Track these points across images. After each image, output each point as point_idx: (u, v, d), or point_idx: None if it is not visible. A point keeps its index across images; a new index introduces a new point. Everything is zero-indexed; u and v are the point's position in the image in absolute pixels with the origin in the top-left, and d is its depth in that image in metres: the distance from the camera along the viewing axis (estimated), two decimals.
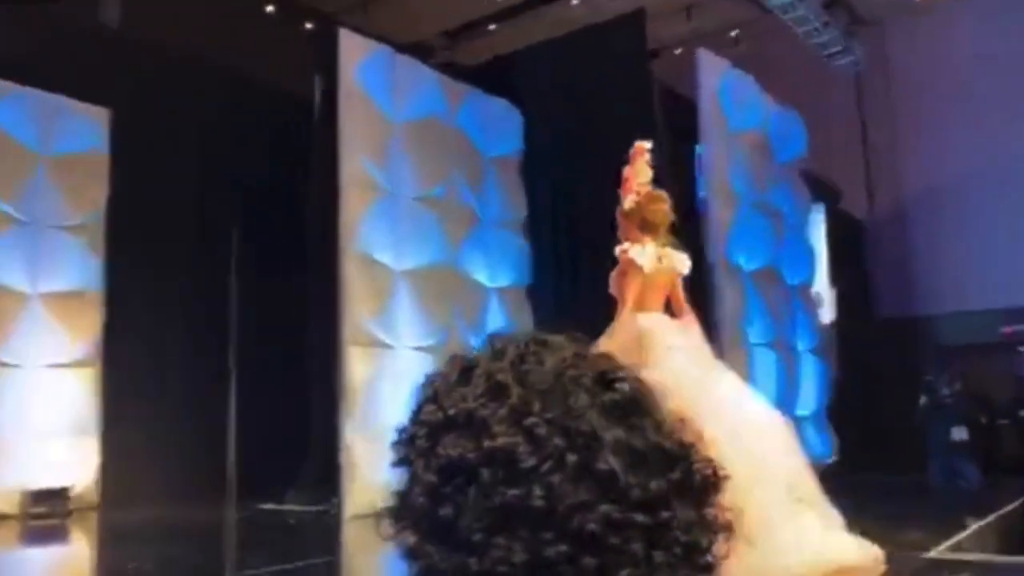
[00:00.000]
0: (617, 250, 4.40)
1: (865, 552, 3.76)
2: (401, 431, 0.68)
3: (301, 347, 9.62)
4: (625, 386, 0.64)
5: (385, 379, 8.28)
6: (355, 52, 8.67)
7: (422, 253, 8.86)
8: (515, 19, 11.96)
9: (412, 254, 8.77)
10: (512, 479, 0.59)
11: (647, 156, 4.65)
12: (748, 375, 8.73)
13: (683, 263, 4.56)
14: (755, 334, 8.99)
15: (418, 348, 8.68)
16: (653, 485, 0.61)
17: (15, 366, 8.64)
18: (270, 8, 11.97)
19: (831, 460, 10.29)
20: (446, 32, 12.65)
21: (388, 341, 8.45)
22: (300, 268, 9.72)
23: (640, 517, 0.59)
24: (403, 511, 0.64)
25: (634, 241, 4.43)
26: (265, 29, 11.59)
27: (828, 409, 10.49)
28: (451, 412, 0.63)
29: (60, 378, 8.88)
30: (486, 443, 0.60)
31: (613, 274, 4.43)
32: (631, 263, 4.41)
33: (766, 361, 9.06)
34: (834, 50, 12.19)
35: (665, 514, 0.61)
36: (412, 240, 8.77)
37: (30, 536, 7.98)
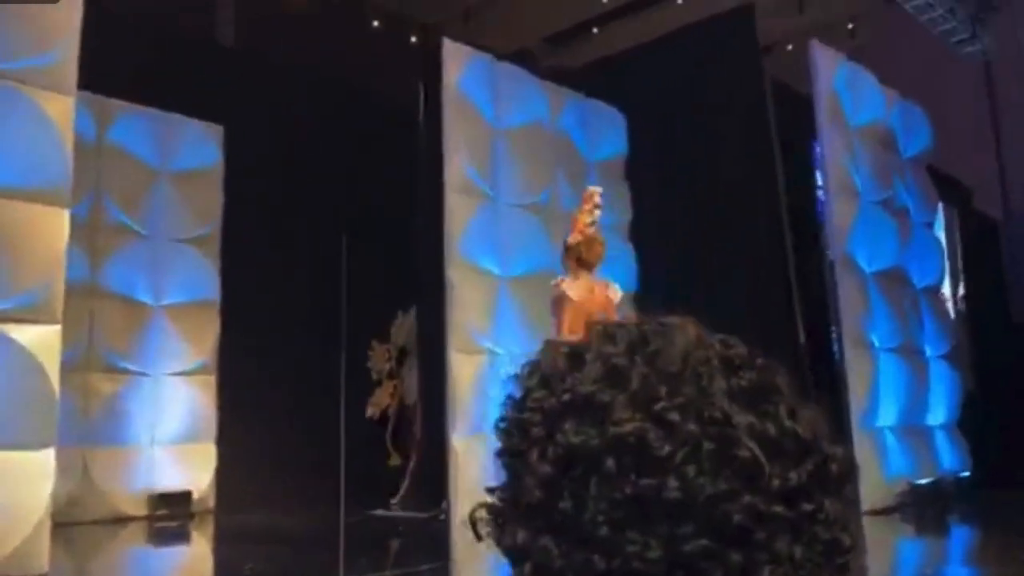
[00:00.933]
0: (552, 282, 5.28)
1: None
2: (507, 420, 0.62)
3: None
4: (754, 372, 0.59)
5: (492, 386, 8.23)
6: (458, 61, 8.69)
7: (527, 260, 8.77)
8: (618, 22, 11.79)
9: (517, 261, 8.70)
10: (643, 468, 0.54)
11: (596, 200, 5.59)
12: (873, 380, 8.27)
13: (615, 292, 5.62)
14: (880, 338, 8.49)
15: (524, 355, 8.57)
16: (792, 475, 0.56)
17: (142, 374, 9.02)
18: (376, 23, 12.20)
19: (963, 474, 9.63)
20: (548, 38, 12.60)
21: (494, 348, 8.39)
22: (408, 276, 9.82)
23: (782, 509, 0.55)
24: (510, 506, 0.59)
25: (571, 273, 5.33)
26: (371, 43, 11.83)
27: (960, 419, 9.81)
28: (566, 398, 0.58)
29: (181, 386, 9.22)
30: (611, 430, 0.55)
31: (550, 301, 5.28)
32: (563, 295, 5.36)
33: (892, 367, 8.53)
34: (960, 37, 11.47)
35: (807, 507, 0.56)
36: (517, 247, 8.70)
37: (156, 537, 8.29)
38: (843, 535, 0.58)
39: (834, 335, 8.34)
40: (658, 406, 0.56)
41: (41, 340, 5.90)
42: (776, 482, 0.55)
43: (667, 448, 0.54)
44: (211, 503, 9.21)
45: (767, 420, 0.57)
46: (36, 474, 5.73)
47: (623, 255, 9.91)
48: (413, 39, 12.39)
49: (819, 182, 9.17)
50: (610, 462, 0.55)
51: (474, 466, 7.93)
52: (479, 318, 8.30)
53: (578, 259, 5.48)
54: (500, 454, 0.62)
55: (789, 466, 0.57)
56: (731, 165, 9.24)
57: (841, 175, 8.39)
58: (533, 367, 0.63)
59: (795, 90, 10.01)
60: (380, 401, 10.23)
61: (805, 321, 8.75)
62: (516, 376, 0.64)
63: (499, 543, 0.60)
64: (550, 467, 0.56)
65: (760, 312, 8.76)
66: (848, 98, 8.77)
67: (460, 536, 7.53)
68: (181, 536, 8.45)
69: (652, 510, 0.53)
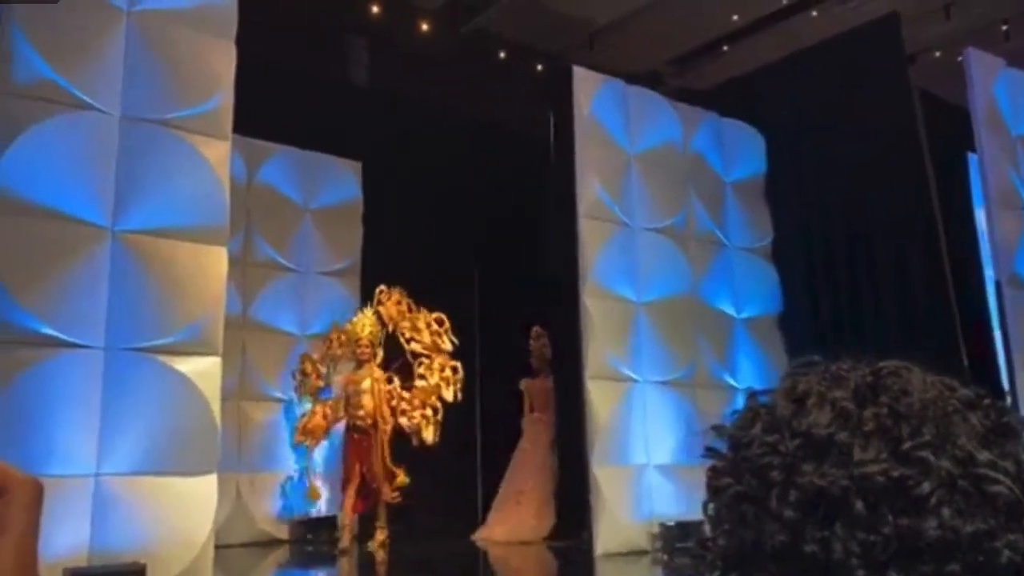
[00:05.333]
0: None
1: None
2: (737, 465, 0.60)
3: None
4: (986, 412, 0.59)
5: (631, 414, 8.11)
6: (588, 87, 8.71)
7: (663, 284, 8.63)
8: (747, 39, 11.52)
9: (653, 286, 8.56)
10: (898, 508, 0.53)
11: (536, 335, 9.83)
12: None
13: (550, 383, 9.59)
14: None
15: (663, 382, 8.42)
16: None
17: (289, 402, 9.38)
18: (502, 54, 12.39)
19: None
20: (674, 59, 12.44)
21: (633, 375, 8.26)
22: (541, 304, 9.83)
23: None
24: (744, 552, 0.58)
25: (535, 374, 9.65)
26: (498, 74, 12.01)
27: None
28: (800, 440, 0.57)
29: None
30: (856, 470, 0.55)
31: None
32: (521, 391, 9.67)
33: None
34: None
35: None
36: (652, 271, 8.58)
37: (305, 560, 8.55)
38: None
39: (1003, 360, 7.75)
40: (904, 446, 0.55)
41: (203, 371, 6.22)
42: None
43: (925, 487, 0.54)
44: (355, 528, 9.41)
45: (1007, 458, 0.57)
46: (200, 499, 6.02)
47: (765, 277, 9.61)
48: (539, 67, 12.51)
49: (978, 196, 8.60)
50: (859, 503, 0.54)
51: (614, 496, 7.80)
52: (616, 345, 8.20)
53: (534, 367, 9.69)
54: (733, 502, 0.60)
55: None
56: (879, 181, 8.83)
57: (1004, 188, 7.83)
58: (750, 414, 0.62)
59: (945, 99, 9.48)
60: (314, 428, 8.58)
61: (968, 345, 8.19)
62: (723, 426, 0.64)
63: None
64: (793, 511, 0.55)
65: (917, 335, 8.28)
66: (1008, 105, 8.21)
67: (604, 567, 7.40)
68: (328, 560, 8.67)
69: (912, 551, 0.53)
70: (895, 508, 0.53)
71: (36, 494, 0.51)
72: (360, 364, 8.37)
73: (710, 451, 0.63)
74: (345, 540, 8.15)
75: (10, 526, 0.49)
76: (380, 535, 8.29)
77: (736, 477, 0.60)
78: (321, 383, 8.77)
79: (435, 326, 8.47)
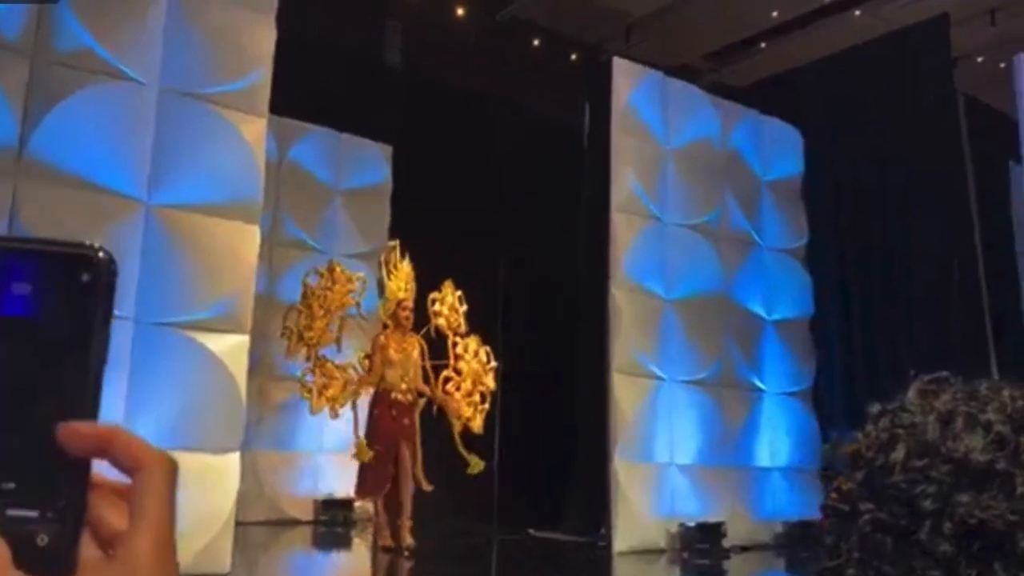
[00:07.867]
0: None
1: None
2: (879, 490, 0.54)
3: (568, 373, 9.59)
4: None
5: (655, 411, 8.04)
6: (628, 79, 8.60)
7: (694, 282, 8.54)
8: (787, 36, 11.33)
9: (684, 283, 8.48)
10: None
11: None
12: None
13: None
14: None
15: (689, 381, 8.33)
16: None
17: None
18: (536, 42, 12.28)
19: None
20: (711, 54, 12.27)
21: (658, 372, 8.19)
22: (569, 295, 9.75)
23: None
24: None
25: None
26: (532, 63, 11.91)
27: None
28: (950, 467, 0.52)
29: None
30: (1022, 505, 0.50)
31: None
32: None
33: None
34: None
35: None
36: (684, 268, 8.49)
37: (320, 541, 8.57)
38: None
39: None
40: None
41: (231, 349, 6.20)
42: None
43: None
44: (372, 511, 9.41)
45: None
46: (223, 477, 6.01)
47: (797, 279, 9.50)
48: (573, 57, 12.39)
49: (1016, 204, 8.44)
50: None
51: (634, 493, 7.74)
52: (643, 340, 8.13)
53: None
54: (872, 531, 0.54)
55: None
56: (918, 186, 8.71)
57: None
58: (887, 435, 0.56)
59: (987, 105, 9.31)
60: (338, 396, 7.17)
61: (1000, 355, 8.06)
62: (843, 443, 0.58)
63: None
64: (949, 544, 0.51)
65: (949, 344, 8.16)
66: None
67: (620, 564, 7.35)
68: (344, 542, 8.68)
69: None
70: None
71: (173, 473, 0.43)
72: (401, 329, 7.08)
73: (828, 472, 0.58)
74: (406, 537, 6.94)
75: (147, 510, 0.41)
76: (408, 535, 6.99)
77: (876, 503, 0.54)
78: (332, 336, 7.41)
79: (457, 304, 7.44)
